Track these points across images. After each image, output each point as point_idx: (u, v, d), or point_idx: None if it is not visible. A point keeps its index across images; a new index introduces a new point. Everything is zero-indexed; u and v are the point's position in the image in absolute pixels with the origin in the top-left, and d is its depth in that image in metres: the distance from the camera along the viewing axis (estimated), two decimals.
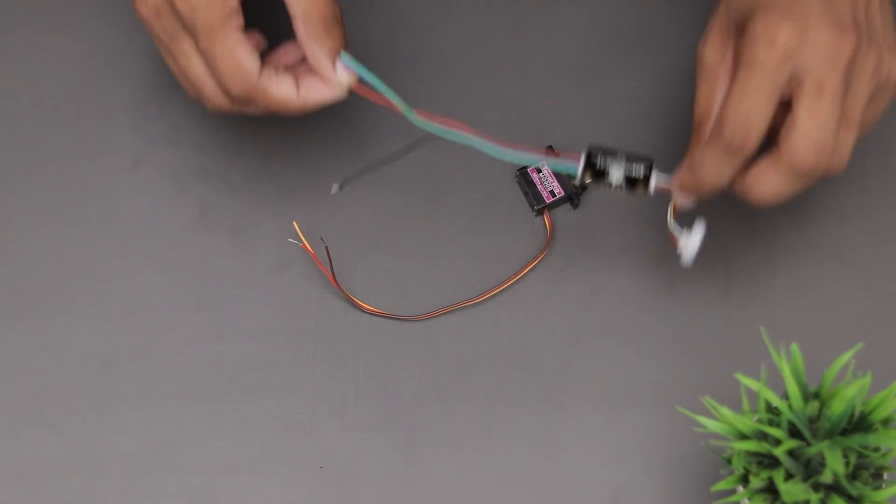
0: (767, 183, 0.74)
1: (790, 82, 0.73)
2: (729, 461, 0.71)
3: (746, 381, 0.70)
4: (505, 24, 0.91)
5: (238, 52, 0.76)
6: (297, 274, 0.86)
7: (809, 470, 0.69)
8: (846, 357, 0.69)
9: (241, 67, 0.76)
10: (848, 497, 0.69)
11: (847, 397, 0.68)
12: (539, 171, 0.87)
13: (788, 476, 0.69)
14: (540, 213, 0.87)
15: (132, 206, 0.87)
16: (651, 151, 0.88)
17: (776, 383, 0.72)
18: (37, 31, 0.91)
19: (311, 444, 0.83)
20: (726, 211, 0.84)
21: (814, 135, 0.72)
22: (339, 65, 0.77)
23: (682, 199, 0.77)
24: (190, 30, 0.76)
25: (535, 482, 0.82)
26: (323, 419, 0.83)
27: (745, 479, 0.71)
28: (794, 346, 0.69)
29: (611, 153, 0.77)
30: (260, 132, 0.79)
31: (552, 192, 0.86)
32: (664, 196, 0.78)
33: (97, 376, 0.84)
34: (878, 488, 0.71)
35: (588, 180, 0.77)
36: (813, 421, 0.69)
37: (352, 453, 0.82)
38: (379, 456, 0.82)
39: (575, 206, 0.87)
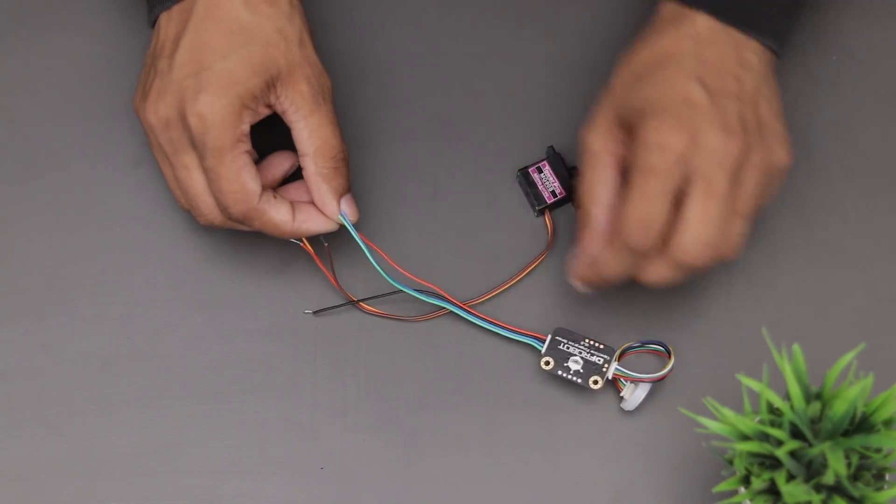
0: (658, 273, 0.77)
1: (682, 183, 0.75)
2: (730, 462, 0.71)
3: (748, 381, 0.69)
4: (505, 24, 0.91)
5: (243, 175, 0.77)
6: (297, 274, 0.86)
7: (811, 471, 0.69)
8: (848, 357, 0.69)
9: (245, 189, 0.77)
10: (850, 498, 0.69)
11: (849, 398, 0.68)
12: (540, 171, 0.87)
13: (790, 477, 0.69)
14: (541, 213, 0.87)
15: (132, 206, 0.87)
16: None
17: (778, 384, 0.71)
18: (37, 31, 0.91)
19: (311, 444, 0.82)
20: None
21: (702, 235, 0.75)
22: (343, 203, 0.81)
23: (581, 288, 0.81)
24: (198, 146, 0.77)
25: (536, 483, 0.82)
26: (323, 420, 0.83)
27: (746, 480, 0.71)
28: (796, 347, 0.69)
29: (574, 339, 0.82)
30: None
31: (553, 193, 0.86)
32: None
33: (97, 377, 0.84)
34: (880, 489, 0.71)
35: (548, 365, 0.81)
36: (815, 422, 0.69)
37: (352, 454, 0.82)
38: (379, 457, 0.82)
39: (577, 206, 0.87)
